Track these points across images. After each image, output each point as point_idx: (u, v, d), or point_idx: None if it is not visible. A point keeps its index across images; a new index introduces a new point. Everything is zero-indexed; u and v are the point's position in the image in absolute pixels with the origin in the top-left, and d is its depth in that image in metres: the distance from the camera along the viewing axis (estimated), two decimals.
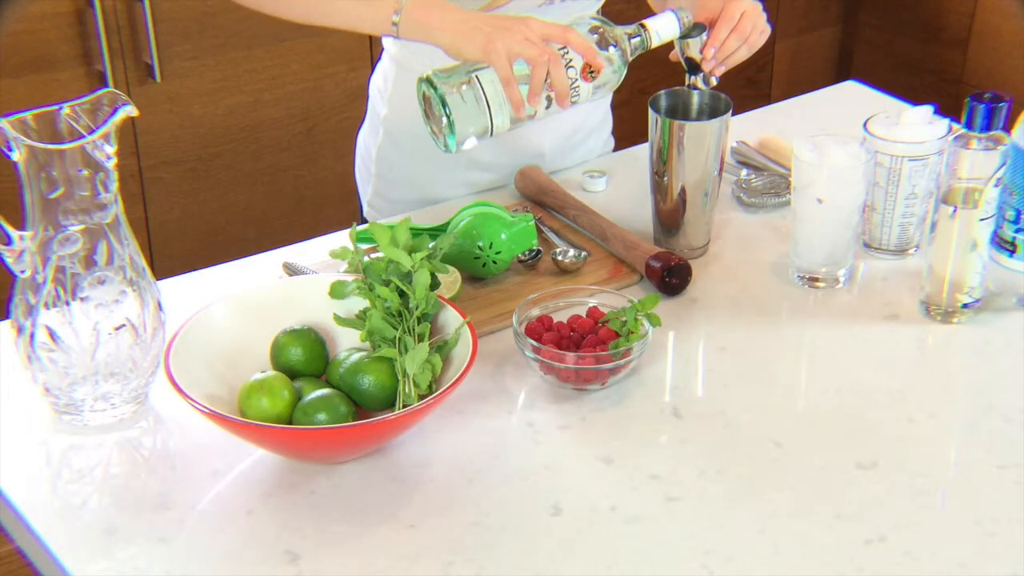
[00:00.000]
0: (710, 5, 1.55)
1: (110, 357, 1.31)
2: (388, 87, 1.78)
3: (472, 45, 1.41)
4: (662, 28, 1.50)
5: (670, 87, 1.60)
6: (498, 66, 1.40)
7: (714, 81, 1.57)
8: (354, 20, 1.49)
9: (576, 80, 1.44)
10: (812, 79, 3.49)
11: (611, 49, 1.47)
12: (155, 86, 2.53)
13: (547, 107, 1.45)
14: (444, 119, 1.43)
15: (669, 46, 1.55)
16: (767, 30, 1.58)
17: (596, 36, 1.47)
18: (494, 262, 1.53)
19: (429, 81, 1.43)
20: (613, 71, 1.47)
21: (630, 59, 1.49)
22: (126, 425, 1.34)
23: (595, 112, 1.85)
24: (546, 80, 1.41)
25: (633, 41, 1.49)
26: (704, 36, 1.54)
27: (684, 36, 1.53)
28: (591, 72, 1.44)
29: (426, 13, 1.43)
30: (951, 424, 1.36)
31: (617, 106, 1.85)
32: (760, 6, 1.57)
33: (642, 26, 1.50)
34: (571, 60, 1.43)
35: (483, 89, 1.43)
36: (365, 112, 1.86)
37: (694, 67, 1.55)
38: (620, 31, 1.48)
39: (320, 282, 1.38)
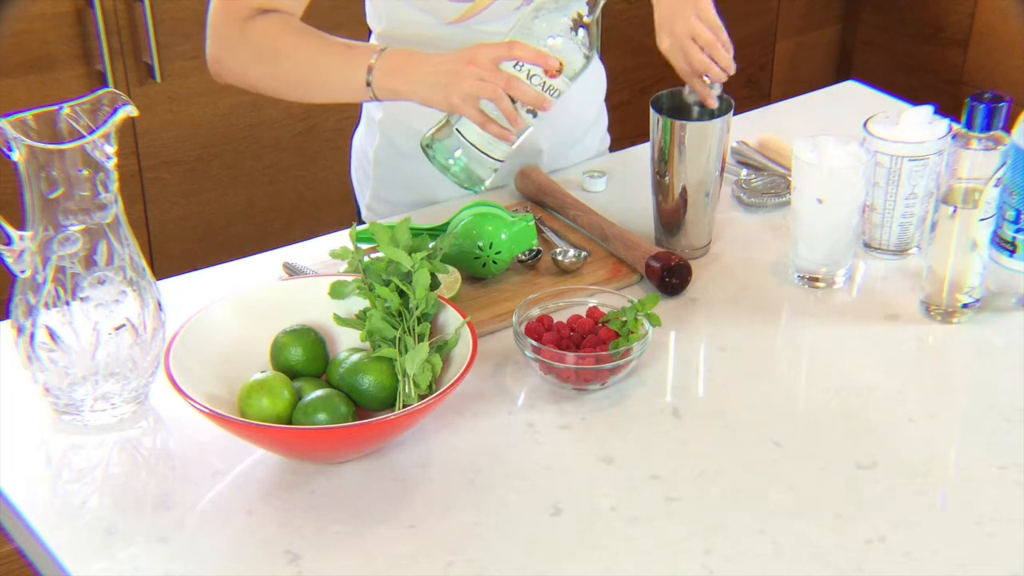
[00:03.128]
0: (674, 54, 1.60)
1: (110, 357, 1.31)
2: None
3: (437, 102, 1.48)
4: None
5: (671, 87, 1.60)
6: (468, 116, 1.46)
7: (718, 88, 1.58)
8: (338, 95, 1.58)
9: (546, 83, 1.46)
10: (812, 79, 3.49)
11: (580, 32, 1.47)
12: (155, 86, 2.53)
13: (534, 116, 1.48)
14: (452, 180, 1.50)
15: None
16: (717, 24, 1.60)
17: (564, 18, 1.47)
18: (494, 262, 1.53)
19: (425, 151, 1.51)
20: (578, 48, 1.48)
21: (596, 18, 1.50)
22: (126, 425, 1.34)
23: (588, 110, 1.85)
24: (516, 101, 1.46)
25: (591, 8, 1.49)
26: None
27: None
28: (557, 69, 1.46)
29: (392, 81, 1.50)
30: (951, 424, 1.36)
31: (617, 106, 1.86)
32: (701, 7, 1.60)
33: None
34: (530, 69, 1.45)
35: (468, 140, 1.48)
36: (360, 115, 1.86)
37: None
38: (578, 5, 1.48)
39: (320, 282, 1.39)
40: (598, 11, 1.49)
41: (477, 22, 1.64)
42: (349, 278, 1.38)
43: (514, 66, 1.45)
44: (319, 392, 1.28)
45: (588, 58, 1.49)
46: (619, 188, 1.77)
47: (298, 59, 1.55)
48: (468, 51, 1.46)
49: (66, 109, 1.28)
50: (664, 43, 1.61)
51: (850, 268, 1.57)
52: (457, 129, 1.49)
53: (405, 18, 1.67)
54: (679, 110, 1.60)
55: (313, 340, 1.35)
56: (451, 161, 1.50)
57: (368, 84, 1.51)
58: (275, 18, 1.57)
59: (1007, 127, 1.44)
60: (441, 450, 1.30)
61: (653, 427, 1.34)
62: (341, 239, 1.61)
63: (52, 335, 1.29)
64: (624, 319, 1.40)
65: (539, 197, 1.72)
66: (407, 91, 1.49)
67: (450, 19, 1.63)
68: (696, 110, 1.60)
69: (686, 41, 1.59)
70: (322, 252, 1.55)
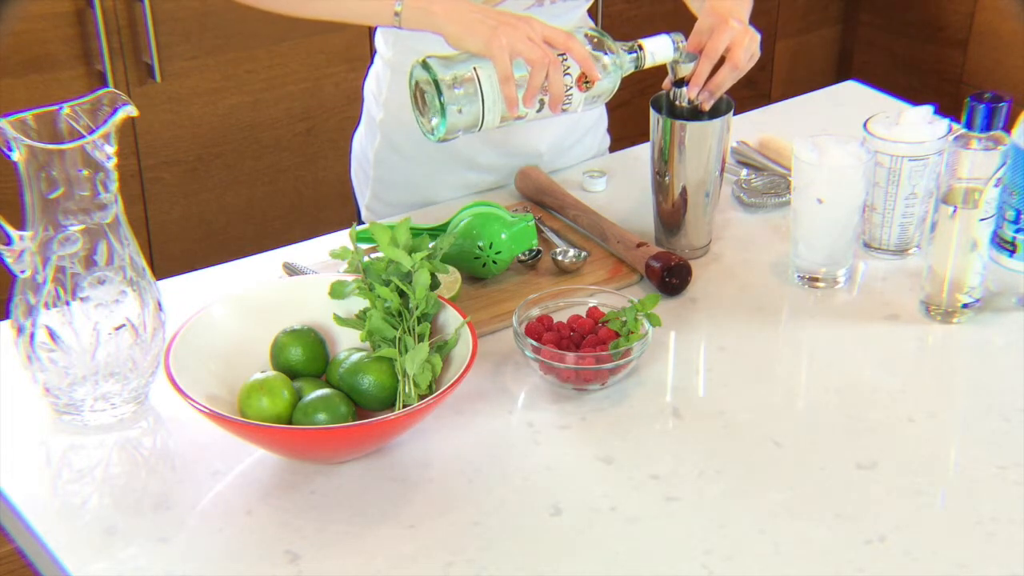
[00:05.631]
0: (701, 30, 1.55)
1: (110, 357, 1.31)
2: (383, 91, 1.77)
3: (475, 37, 1.40)
4: (657, 51, 1.51)
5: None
6: (498, 61, 1.40)
7: (696, 103, 1.56)
8: (355, 12, 1.49)
9: (571, 88, 1.45)
10: (812, 79, 3.49)
11: (607, 59, 1.47)
12: (155, 86, 2.53)
13: (538, 110, 1.45)
14: (437, 105, 1.42)
15: (665, 71, 1.55)
16: (757, 54, 1.57)
17: (592, 47, 1.47)
18: (494, 262, 1.53)
19: (426, 65, 1.42)
20: (608, 83, 1.48)
21: (623, 75, 1.50)
22: (126, 425, 1.34)
23: (589, 112, 1.85)
24: (543, 83, 1.42)
25: (628, 57, 1.49)
26: (693, 65, 1.53)
27: (676, 62, 1.54)
28: (586, 82, 1.45)
29: (429, 1, 1.42)
30: (951, 424, 1.36)
31: (617, 106, 1.85)
32: (752, 32, 1.55)
33: (638, 46, 1.50)
34: (568, 67, 1.44)
35: (480, 83, 1.42)
36: (360, 115, 1.86)
37: (681, 84, 1.56)
38: (617, 46, 1.48)
39: (320, 282, 1.39)
40: (632, 68, 1.50)
41: None
42: (349, 278, 1.38)
43: (557, 55, 1.43)
44: (319, 392, 1.28)
45: (603, 97, 1.50)
46: (619, 188, 1.77)
47: None
48: (524, 16, 1.42)
49: (66, 109, 1.28)
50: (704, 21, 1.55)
51: (850, 268, 1.57)
52: (475, 67, 1.42)
53: None
54: (679, 110, 1.60)
55: (313, 340, 1.35)
56: (444, 86, 1.41)
57: (397, 14, 1.42)
58: None
59: (1007, 127, 1.44)
60: (441, 450, 1.30)
61: (653, 427, 1.34)
62: (341, 239, 1.61)
63: (52, 335, 1.29)
64: (624, 319, 1.40)
65: (539, 197, 1.72)
66: (443, 18, 1.41)
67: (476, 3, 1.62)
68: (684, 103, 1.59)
69: (718, 41, 1.53)
70: (322, 252, 1.55)
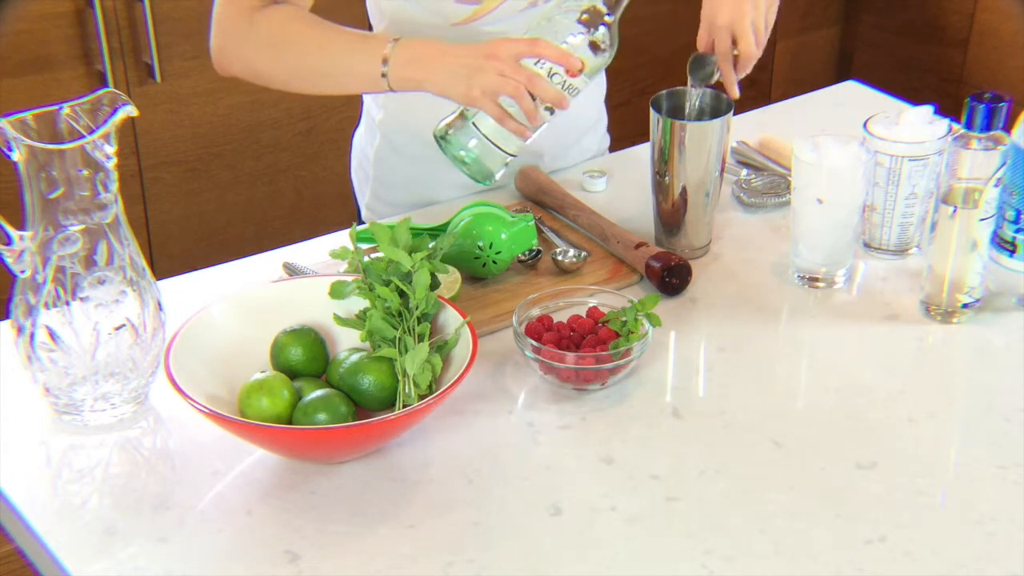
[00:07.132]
0: (705, 18, 1.57)
1: (110, 357, 1.31)
2: None
3: (455, 93, 1.46)
4: None
5: (670, 87, 1.60)
6: (486, 110, 1.45)
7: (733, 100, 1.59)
8: (350, 84, 1.57)
9: (566, 81, 1.46)
10: (812, 79, 3.49)
11: (600, 30, 1.47)
12: (155, 86, 2.53)
13: (552, 114, 1.48)
14: (466, 171, 1.50)
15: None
16: (772, 19, 1.59)
17: (589, 15, 1.47)
18: (494, 262, 1.53)
19: (438, 141, 1.50)
20: (603, 52, 1.48)
21: (618, 18, 1.49)
22: (126, 425, 1.34)
23: (588, 110, 1.85)
24: (535, 98, 1.45)
25: (613, 7, 1.49)
26: (712, 67, 1.57)
27: (698, 80, 1.57)
28: (579, 69, 1.45)
29: (410, 70, 1.49)
30: (951, 424, 1.36)
31: (616, 106, 1.86)
32: (755, 6, 1.57)
33: None
34: (552, 67, 1.45)
35: (483, 133, 1.48)
36: (360, 115, 1.86)
37: (702, 79, 1.57)
38: (599, 3, 1.48)
39: (320, 282, 1.39)
40: (620, 11, 1.49)
41: (483, 24, 1.64)
42: (349, 278, 1.38)
43: (535, 63, 1.45)
44: (319, 392, 1.28)
45: (607, 57, 1.50)
46: (619, 188, 1.77)
47: (310, 46, 1.53)
48: (489, 45, 1.45)
49: (66, 109, 1.28)
50: (711, 19, 1.59)
51: (850, 268, 1.57)
52: (472, 122, 1.48)
53: (409, 19, 1.65)
54: (679, 110, 1.60)
55: (313, 340, 1.35)
56: (463, 153, 1.49)
57: (384, 74, 1.49)
58: (286, 7, 1.55)
59: (1007, 127, 1.44)
60: (441, 450, 1.30)
61: (653, 427, 1.34)
62: (341, 239, 1.61)
63: (52, 335, 1.29)
64: (624, 319, 1.40)
65: (539, 197, 1.72)
66: (425, 81, 1.48)
67: (456, 21, 1.63)
68: (696, 110, 1.60)
69: (722, 31, 1.57)
70: (322, 252, 1.55)
